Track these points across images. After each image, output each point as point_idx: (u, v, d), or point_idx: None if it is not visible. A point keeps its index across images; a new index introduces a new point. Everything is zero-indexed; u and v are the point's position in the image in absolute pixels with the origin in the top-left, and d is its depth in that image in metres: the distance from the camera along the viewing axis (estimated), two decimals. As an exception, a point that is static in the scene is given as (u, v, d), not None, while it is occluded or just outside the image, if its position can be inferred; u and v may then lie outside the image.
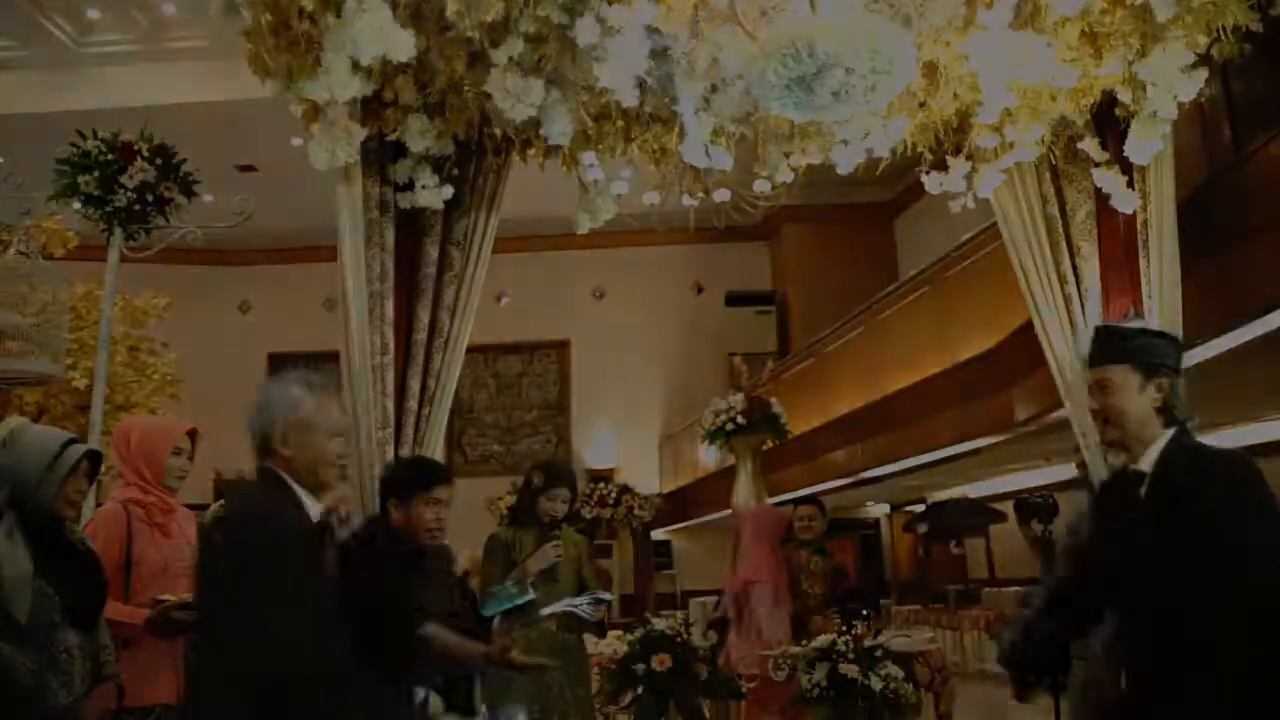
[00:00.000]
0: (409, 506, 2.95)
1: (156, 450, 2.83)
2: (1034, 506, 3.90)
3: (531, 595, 3.77)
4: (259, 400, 2.01)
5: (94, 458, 2.48)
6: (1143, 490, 2.13)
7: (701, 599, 11.37)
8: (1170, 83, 3.16)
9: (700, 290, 14.76)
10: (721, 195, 4.39)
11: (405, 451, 3.80)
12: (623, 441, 14.34)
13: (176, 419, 3.12)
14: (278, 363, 15.07)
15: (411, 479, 3.05)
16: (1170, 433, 2.16)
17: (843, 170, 3.79)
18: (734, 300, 13.97)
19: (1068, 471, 4.55)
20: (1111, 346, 2.28)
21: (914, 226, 13.19)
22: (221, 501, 1.75)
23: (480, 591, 4.08)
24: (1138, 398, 2.18)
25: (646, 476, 13.93)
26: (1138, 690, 2.11)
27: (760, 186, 4.15)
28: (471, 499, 13.58)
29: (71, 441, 2.42)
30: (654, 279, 14.61)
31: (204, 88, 10.30)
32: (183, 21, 10.10)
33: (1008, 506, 9.28)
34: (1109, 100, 3.63)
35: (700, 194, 4.20)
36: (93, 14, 10.01)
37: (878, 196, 13.71)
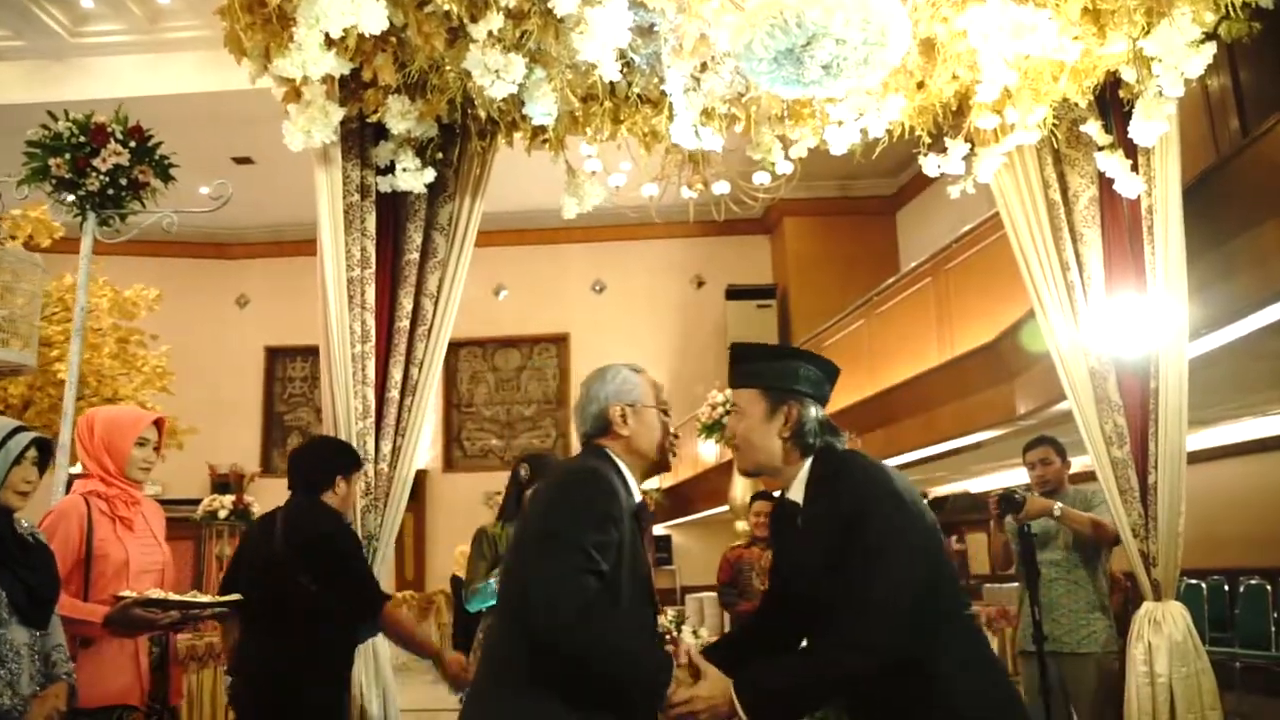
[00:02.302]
0: (350, 485, 3.11)
1: (119, 440, 2.72)
2: (1017, 502, 3.77)
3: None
4: (590, 390, 2.09)
5: (42, 446, 2.36)
6: (800, 520, 1.99)
7: (700, 595, 11.27)
8: (1177, 58, 3.02)
9: (700, 284, 14.65)
10: (721, 188, 4.28)
11: (386, 442, 3.70)
12: (622, 436, 14.22)
13: (141, 408, 3.02)
14: (275, 356, 14.98)
15: (349, 459, 3.17)
16: (809, 462, 1.99)
17: (836, 152, 3.66)
18: (734, 294, 13.86)
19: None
20: (737, 369, 2.12)
21: (915, 220, 13.05)
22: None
23: (465, 587, 3.98)
24: (763, 425, 2.02)
25: (646, 471, 13.82)
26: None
27: (760, 179, 4.03)
28: (470, 494, 13.49)
29: (18, 429, 2.31)
30: (654, 272, 14.51)
31: (199, 79, 10.19)
32: (178, 11, 10.00)
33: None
34: (1113, 82, 3.50)
35: (699, 187, 4.09)
36: (87, 3, 9.91)
37: (879, 190, 13.59)
